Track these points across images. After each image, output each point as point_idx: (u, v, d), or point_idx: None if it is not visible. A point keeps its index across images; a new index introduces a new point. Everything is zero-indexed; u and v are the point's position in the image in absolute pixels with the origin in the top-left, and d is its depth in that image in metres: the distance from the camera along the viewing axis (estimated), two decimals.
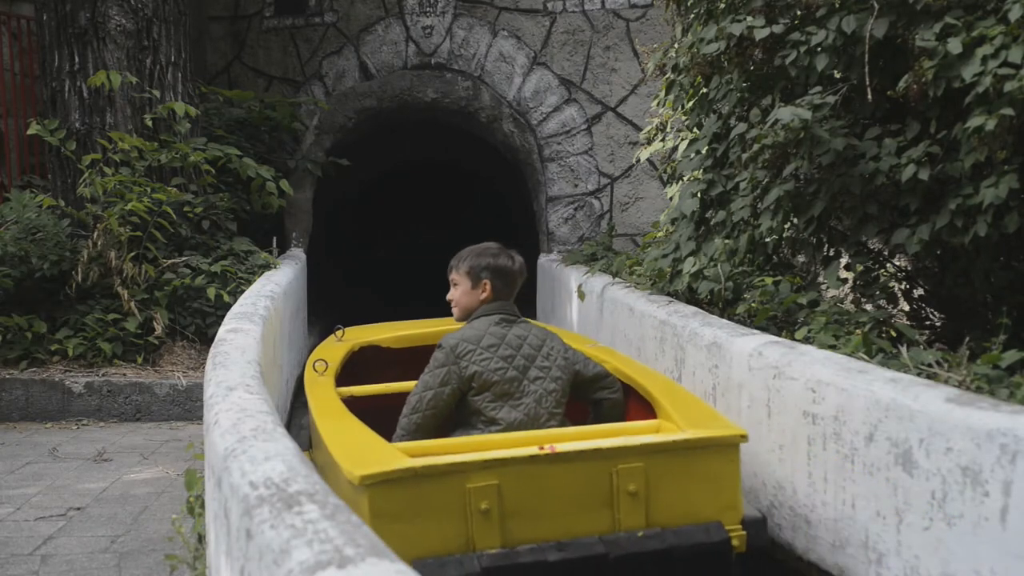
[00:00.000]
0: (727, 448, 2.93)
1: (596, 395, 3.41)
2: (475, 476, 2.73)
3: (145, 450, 4.75)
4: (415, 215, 13.26)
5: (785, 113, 3.72)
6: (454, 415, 3.28)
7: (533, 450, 2.81)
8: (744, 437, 2.96)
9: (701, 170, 4.86)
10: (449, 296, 3.42)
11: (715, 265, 4.54)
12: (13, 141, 7.38)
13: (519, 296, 3.42)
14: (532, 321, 3.54)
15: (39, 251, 5.74)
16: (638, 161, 8.27)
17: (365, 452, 2.82)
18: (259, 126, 8.09)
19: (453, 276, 3.40)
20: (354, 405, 3.47)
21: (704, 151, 4.86)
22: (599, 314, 5.61)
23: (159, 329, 5.74)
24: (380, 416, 3.38)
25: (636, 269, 5.67)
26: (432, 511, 2.70)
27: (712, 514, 2.90)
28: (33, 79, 7.58)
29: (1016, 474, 2.28)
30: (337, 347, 4.21)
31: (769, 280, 4.36)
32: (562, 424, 3.25)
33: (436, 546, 2.69)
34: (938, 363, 3.12)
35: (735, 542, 2.88)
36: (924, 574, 2.59)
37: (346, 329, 4.42)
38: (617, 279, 5.67)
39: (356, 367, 4.20)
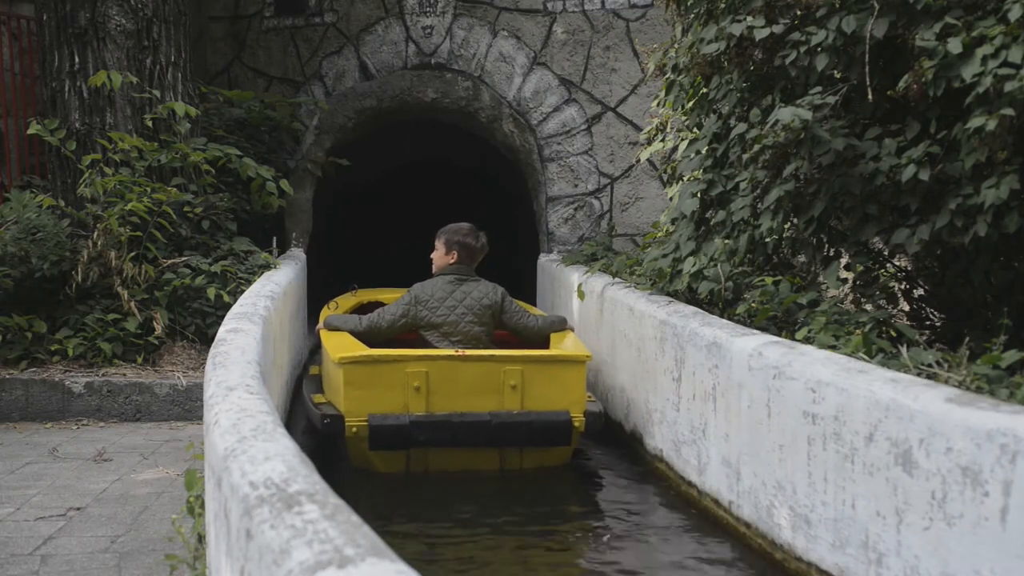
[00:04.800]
0: (576, 364, 4.60)
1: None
2: (412, 365, 4.40)
3: (145, 450, 4.75)
4: (415, 215, 13.23)
5: (785, 113, 3.72)
6: (417, 342, 4.83)
7: (451, 353, 4.50)
8: (588, 357, 4.65)
9: (701, 170, 4.86)
10: (431, 256, 5.01)
11: (715, 265, 4.54)
12: (13, 141, 7.37)
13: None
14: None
15: (39, 251, 5.73)
16: (638, 161, 8.27)
17: (346, 346, 4.56)
18: (259, 126, 8.06)
19: (436, 242, 5.02)
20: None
21: (704, 151, 4.86)
22: (599, 314, 5.61)
23: (159, 329, 5.74)
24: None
25: (636, 269, 5.66)
26: (383, 385, 4.35)
27: (564, 405, 4.50)
28: (33, 79, 7.57)
29: (1016, 474, 2.27)
30: (351, 299, 6.01)
31: (769, 280, 4.36)
32: None
33: (385, 407, 4.35)
34: (938, 363, 3.12)
35: (576, 423, 4.49)
36: (924, 574, 2.58)
37: (360, 289, 6.19)
38: (617, 279, 5.67)
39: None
